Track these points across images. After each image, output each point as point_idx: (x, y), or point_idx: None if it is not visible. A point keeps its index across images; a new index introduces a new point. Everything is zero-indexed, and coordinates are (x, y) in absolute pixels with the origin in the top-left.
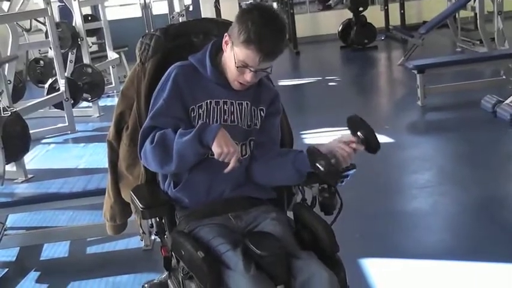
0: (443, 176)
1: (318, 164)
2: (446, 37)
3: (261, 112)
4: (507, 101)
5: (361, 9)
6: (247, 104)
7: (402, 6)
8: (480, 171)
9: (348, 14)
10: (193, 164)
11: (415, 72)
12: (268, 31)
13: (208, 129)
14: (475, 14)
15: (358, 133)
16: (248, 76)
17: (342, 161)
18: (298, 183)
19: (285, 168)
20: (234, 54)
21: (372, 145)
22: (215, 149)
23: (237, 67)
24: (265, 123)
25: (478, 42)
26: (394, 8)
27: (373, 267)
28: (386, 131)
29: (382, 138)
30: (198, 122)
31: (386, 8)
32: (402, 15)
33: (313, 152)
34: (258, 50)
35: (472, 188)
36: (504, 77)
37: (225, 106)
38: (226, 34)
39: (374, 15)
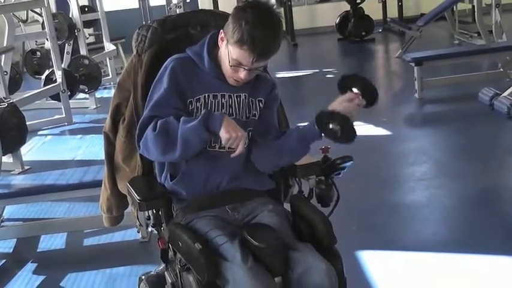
0: (440, 168)
1: (331, 124)
2: (444, 30)
3: (260, 103)
4: (504, 94)
5: (358, 1)
6: (245, 96)
7: None
8: (477, 164)
9: (346, 6)
10: (197, 151)
11: (413, 64)
12: (261, 31)
13: (214, 116)
14: (473, 6)
15: (354, 89)
16: (242, 74)
17: (350, 117)
18: (300, 158)
19: (290, 144)
20: (229, 53)
21: (372, 95)
22: (223, 134)
23: (231, 66)
24: (264, 112)
25: (476, 34)
26: (391, 0)
27: (370, 259)
28: (384, 123)
29: (379, 131)
30: (196, 115)
31: (384, 0)
32: (400, 8)
33: (323, 114)
34: (251, 51)
35: (469, 180)
36: (502, 69)
37: (223, 99)
38: (221, 30)
39: (372, 7)
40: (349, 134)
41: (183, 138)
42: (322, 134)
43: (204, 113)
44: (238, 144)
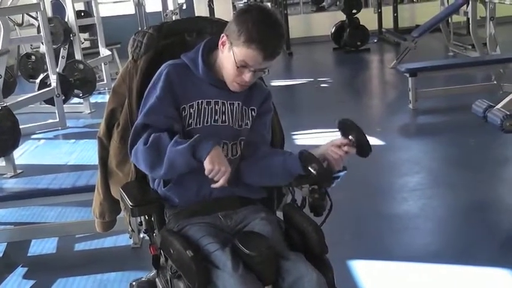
0: (433, 179)
1: (310, 168)
2: (439, 41)
3: (252, 112)
4: (498, 106)
5: (354, 11)
6: (238, 104)
7: (395, 10)
8: (470, 174)
9: (341, 16)
10: (183, 172)
11: (407, 75)
12: (269, 30)
13: (204, 144)
14: (468, 19)
15: (350, 136)
16: (247, 76)
17: (334, 164)
18: (286, 185)
19: (274, 169)
20: (234, 55)
21: (363, 148)
22: (207, 165)
23: (237, 67)
24: (256, 122)
25: (470, 47)
26: (387, 11)
27: (362, 268)
28: (378, 133)
29: (373, 141)
30: (188, 122)
31: (379, 10)
32: (395, 18)
33: (306, 156)
34: (261, 50)
35: (462, 191)
36: (495, 82)
37: (217, 106)
38: (223, 35)
39: (367, 17)
40: (326, 179)
41: (169, 159)
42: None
43: (195, 138)
44: (221, 178)
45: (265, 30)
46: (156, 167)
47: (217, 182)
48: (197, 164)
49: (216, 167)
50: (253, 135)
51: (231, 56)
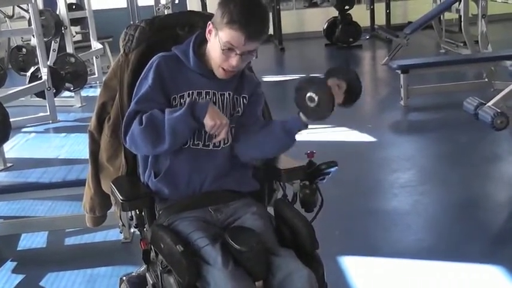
0: (424, 175)
1: (310, 97)
2: (431, 38)
3: (244, 100)
4: (489, 104)
5: (347, 7)
6: (229, 94)
7: (388, 6)
8: (460, 171)
9: (334, 12)
10: (187, 139)
11: (399, 72)
12: (251, 11)
13: (199, 104)
14: (460, 16)
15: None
16: (234, 60)
17: (334, 94)
18: (287, 149)
19: (274, 132)
20: (219, 39)
21: (354, 89)
22: (208, 121)
23: (223, 50)
24: (248, 107)
25: (462, 44)
26: (379, 8)
27: (352, 265)
28: (369, 129)
29: (364, 137)
30: None
31: (372, 7)
32: (388, 15)
33: (301, 85)
34: (243, 29)
35: (452, 188)
36: (486, 79)
37: (207, 97)
38: (209, 23)
39: (359, 14)
40: (327, 108)
41: (170, 128)
42: (301, 113)
43: (189, 101)
44: (222, 131)
45: (247, 11)
46: (159, 143)
47: (217, 136)
48: (197, 124)
49: (217, 122)
50: (246, 117)
51: (216, 41)
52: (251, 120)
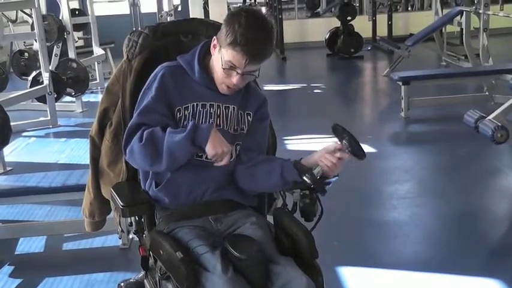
0: (423, 187)
1: (305, 178)
2: (432, 51)
3: (248, 117)
4: (489, 117)
5: (349, 18)
6: (233, 108)
7: (390, 18)
8: (459, 184)
9: (336, 23)
10: (184, 162)
11: (400, 83)
12: (254, 33)
13: (201, 130)
14: (461, 29)
15: (344, 141)
16: (235, 79)
17: (329, 171)
18: (279, 190)
19: (271, 176)
20: (221, 56)
21: (356, 152)
22: (210, 150)
23: (224, 69)
24: (252, 128)
25: (463, 57)
26: (381, 19)
27: (350, 275)
28: (369, 140)
29: (364, 148)
30: (183, 124)
31: (374, 18)
32: (389, 27)
33: (301, 166)
34: (244, 52)
35: (451, 200)
36: (487, 93)
37: (212, 109)
38: (214, 37)
39: (362, 25)
40: (320, 188)
41: (169, 151)
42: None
43: (191, 126)
44: (224, 159)
45: (250, 33)
46: (156, 162)
47: (219, 162)
48: (197, 150)
49: (219, 150)
50: (249, 141)
51: (219, 58)
52: (254, 144)
